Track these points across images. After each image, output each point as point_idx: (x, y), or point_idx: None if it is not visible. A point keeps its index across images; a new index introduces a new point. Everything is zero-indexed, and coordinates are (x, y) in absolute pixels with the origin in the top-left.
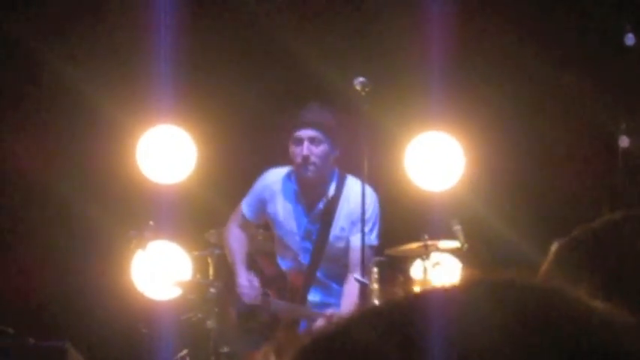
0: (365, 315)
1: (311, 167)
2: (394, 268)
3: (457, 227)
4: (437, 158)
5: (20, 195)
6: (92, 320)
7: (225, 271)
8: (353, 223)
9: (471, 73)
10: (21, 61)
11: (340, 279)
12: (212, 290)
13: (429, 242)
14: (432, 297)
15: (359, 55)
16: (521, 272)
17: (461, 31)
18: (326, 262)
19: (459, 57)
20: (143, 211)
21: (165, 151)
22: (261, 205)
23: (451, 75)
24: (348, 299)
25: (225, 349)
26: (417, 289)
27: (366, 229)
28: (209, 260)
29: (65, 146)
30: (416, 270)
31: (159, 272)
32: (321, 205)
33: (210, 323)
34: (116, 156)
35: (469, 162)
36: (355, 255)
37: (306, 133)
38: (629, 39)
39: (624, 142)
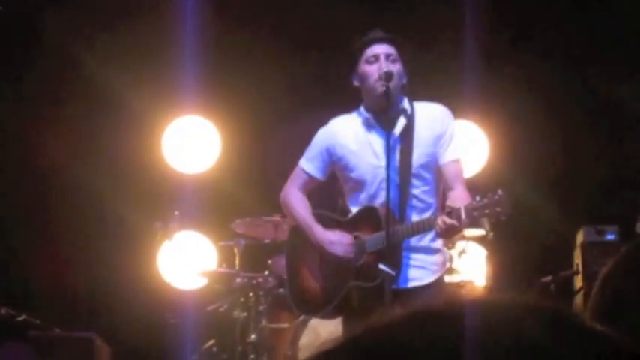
0: (411, 318)
1: (392, 83)
2: None
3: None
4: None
5: (51, 188)
6: (119, 311)
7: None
8: (436, 141)
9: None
10: (52, 59)
11: (428, 200)
12: (238, 280)
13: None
14: (475, 310)
15: None
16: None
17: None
18: (415, 180)
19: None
20: (169, 202)
21: (191, 142)
22: (328, 155)
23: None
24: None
25: (252, 338)
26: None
27: (451, 146)
28: (235, 250)
29: (92, 139)
30: None
31: (185, 262)
32: (399, 124)
33: (237, 313)
34: (142, 147)
35: (493, 149)
36: (451, 169)
37: (381, 48)
38: None
39: None
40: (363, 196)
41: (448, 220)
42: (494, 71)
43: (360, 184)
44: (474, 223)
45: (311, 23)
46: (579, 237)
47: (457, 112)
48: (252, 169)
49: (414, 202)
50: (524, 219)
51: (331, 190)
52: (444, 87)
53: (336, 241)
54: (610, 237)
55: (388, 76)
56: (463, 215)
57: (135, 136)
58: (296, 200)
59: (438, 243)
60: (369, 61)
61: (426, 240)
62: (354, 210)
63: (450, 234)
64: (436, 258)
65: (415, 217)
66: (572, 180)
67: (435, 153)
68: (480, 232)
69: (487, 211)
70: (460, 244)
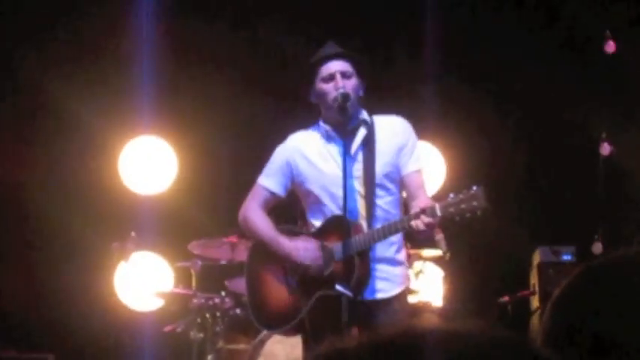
0: (369, 349)
1: (349, 101)
2: None
3: (439, 236)
4: None
5: (6, 207)
6: (76, 332)
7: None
8: (398, 151)
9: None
10: (9, 79)
11: (392, 211)
12: (195, 301)
13: (412, 251)
14: (431, 339)
15: None
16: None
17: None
18: (379, 190)
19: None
20: (125, 222)
21: (147, 162)
22: (288, 169)
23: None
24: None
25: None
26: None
27: (413, 156)
28: (192, 271)
29: (46, 158)
30: None
31: (141, 283)
32: (360, 138)
33: (194, 334)
34: (98, 167)
35: (449, 168)
36: (414, 179)
37: (335, 66)
38: (610, 46)
39: (605, 150)
40: (327, 208)
41: (425, 218)
42: (448, 89)
43: (322, 197)
44: (448, 221)
45: (265, 45)
46: (536, 257)
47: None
48: (209, 189)
49: (379, 212)
50: (481, 239)
51: (288, 213)
52: (400, 105)
53: (302, 247)
54: (566, 257)
55: (344, 97)
56: (438, 212)
57: (91, 156)
58: (257, 216)
59: (402, 255)
60: (324, 80)
61: (391, 251)
62: (318, 223)
63: (425, 233)
64: (400, 270)
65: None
66: (530, 200)
67: (398, 164)
68: (437, 252)
69: (463, 206)
70: (417, 265)
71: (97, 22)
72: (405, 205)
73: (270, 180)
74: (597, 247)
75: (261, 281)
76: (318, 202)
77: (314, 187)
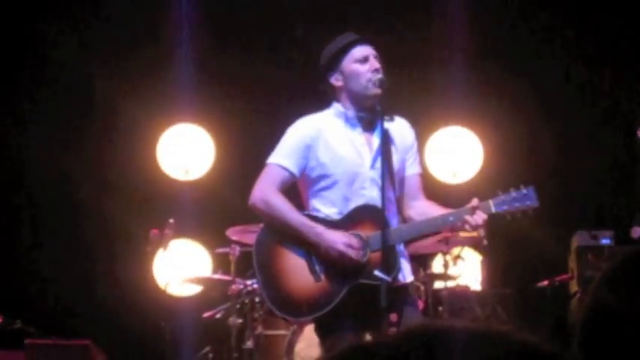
0: (392, 338)
1: (382, 82)
2: (416, 262)
3: None
4: (456, 152)
5: (47, 195)
6: (115, 318)
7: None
8: (406, 151)
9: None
10: (52, 67)
11: (398, 206)
12: (233, 287)
13: (450, 235)
14: (450, 338)
15: None
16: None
17: None
18: (393, 184)
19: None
20: (164, 209)
21: (185, 149)
22: (307, 151)
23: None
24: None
25: (248, 345)
26: (439, 284)
27: (417, 158)
28: (230, 257)
29: (90, 147)
30: (437, 264)
31: (180, 270)
32: (379, 130)
33: (233, 320)
34: (137, 155)
35: (487, 153)
36: (417, 181)
37: (368, 50)
38: None
39: None
40: (339, 196)
41: (482, 215)
42: (485, 74)
43: (338, 183)
44: (501, 217)
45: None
46: (574, 241)
47: (451, 117)
48: (247, 176)
49: (390, 206)
50: (518, 223)
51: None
52: (437, 93)
53: (350, 243)
54: (605, 241)
55: (382, 83)
56: (493, 209)
57: (130, 143)
58: (280, 200)
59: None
60: (359, 61)
61: (402, 245)
62: (326, 210)
63: (479, 228)
64: (408, 263)
65: (393, 221)
66: (568, 183)
67: (404, 162)
68: (474, 236)
69: (517, 205)
70: (455, 250)
71: (138, 16)
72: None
73: (288, 160)
74: (636, 231)
75: (280, 266)
76: (328, 189)
77: (330, 173)
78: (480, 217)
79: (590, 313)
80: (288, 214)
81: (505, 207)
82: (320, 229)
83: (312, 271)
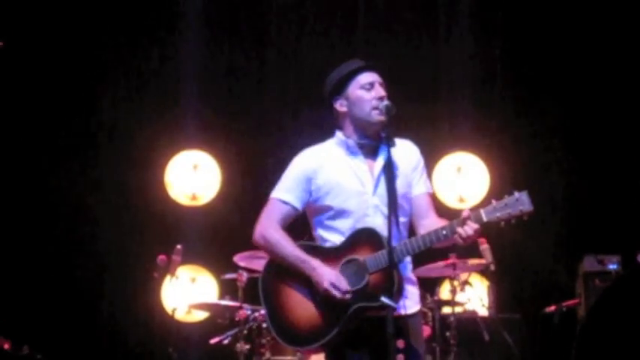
0: None
1: (388, 109)
2: (423, 288)
3: (485, 246)
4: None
5: (58, 220)
6: (123, 344)
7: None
8: (412, 171)
9: None
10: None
11: (405, 232)
12: (241, 313)
13: (457, 261)
14: None
15: None
16: None
17: None
18: (399, 209)
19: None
20: (172, 235)
21: (192, 175)
22: (308, 184)
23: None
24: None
25: None
26: (446, 309)
27: (423, 177)
28: (237, 283)
29: (98, 173)
30: (445, 290)
31: (188, 296)
32: (382, 153)
33: (240, 346)
34: (146, 181)
35: (493, 179)
36: (426, 200)
37: (375, 76)
38: None
39: None
40: (344, 225)
41: (472, 224)
42: (493, 104)
43: (342, 212)
44: (493, 226)
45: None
46: (582, 267)
47: (458, 144)
48: (253, 201)
49: (396, 232)
50: (526, 249)
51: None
52: (445, 119)
53: (335, 283)
54: (612, 267)
55: (389, 110)
56: (484, 217)
57: (139, 170)
58: (279, 235)
59: (414, 275)
60: (364, 88)
61: (409, 270)
62: (334, 238)
63: (470, 240)
64: (416, 289)
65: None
66: (576, 209)
67: (410, 183)
68: (482, 262)
69: (510, 211)
70: (463, 276)
71: (146, 48)
72: (410, 227)
73: (289, 194)
74: None
75: (283, 297)
76: (334, 218)
77: (332, 203)
78: (470, 228)
79: (583, 333)
80: (284, 249)
81: (497, 214)
82: (314, 263)
83: (315, 299)
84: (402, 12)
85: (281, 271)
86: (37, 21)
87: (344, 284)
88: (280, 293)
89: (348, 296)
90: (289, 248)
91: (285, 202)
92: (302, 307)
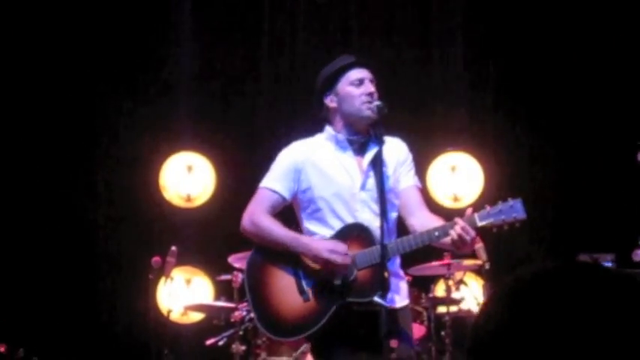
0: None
1: (380, 108)
2: (417, 287)
3: (479, 245)
4: (457, 178)
5: (52, 223)
6: (118, 345)
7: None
8: (399, 166)
9: None
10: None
11: (394, 227)
12: (236, 313)
13: (452, 260)
14: None
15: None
16: None
17: None
18: (388, 205)
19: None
20: (166, 236)
21: (187, 177)
22: (296, 175)
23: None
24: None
25: None
26: (441, 308)
27: (411, 171)
28: (232, 284)
29: (92, 176)
30: (439, 289)
31: (183, 297)
32: (372, 153)
33: (236, 347)
34: (140, 183)
35: (487, 177)
36: (415, 193)
37: (365, 72)
38: None
39: None
40: (331, 218)
41: (469, 229)
42: (486, 103)
43: (330, 206)
44: (488, 230)
45: (304, 61)
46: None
47: (452, 143)
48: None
49: (385, 228)
50: (520, 247)
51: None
52: (438, 119)
53: (333, 249)
54: (607, 265)
55: (380, 109)
56: (478, 222)
57: (133, 172)
58: (268, 219)
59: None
60: (353, 84)
61: (396, 265)
62: (320, 231)
63: (463, 244)
64: (404, 284)
65: (386, 241)
66: (570, 207)
67: (398, 179)
68: (476, 261)
69: (503, 217)
70: (457, 275)
71: (140, 50)
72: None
73: (278, 183)
74: (637, 255)
75: (269, 288)
76: (321, 211)
77: (321, 196)
78: (463, 231)
79: (481, 321)
80: (274, 230)
81: (491, 219)
82: (306, 239)
83: (301, 291)
84: (395, 17)
85: (267, 260)
86: (34, 24)
87: (341, 247)
88: (266, 283)
89: (348, 259)
90: (281, 231)
91: (274, 191)
92: (287, 298)
